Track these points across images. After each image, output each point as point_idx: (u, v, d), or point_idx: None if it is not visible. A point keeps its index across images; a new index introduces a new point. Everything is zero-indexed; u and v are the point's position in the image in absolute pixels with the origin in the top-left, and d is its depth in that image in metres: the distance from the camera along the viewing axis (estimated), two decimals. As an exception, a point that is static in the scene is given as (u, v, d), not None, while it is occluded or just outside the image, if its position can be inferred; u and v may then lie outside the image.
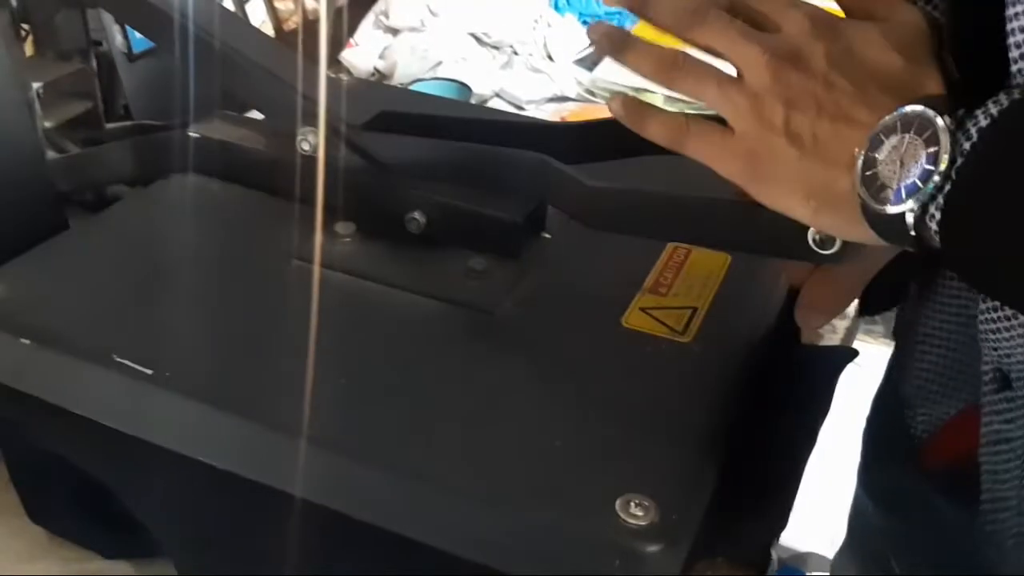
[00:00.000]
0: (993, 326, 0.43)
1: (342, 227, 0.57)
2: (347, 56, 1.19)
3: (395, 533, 0.42)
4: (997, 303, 0.43)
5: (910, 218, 0.35)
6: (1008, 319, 0.43)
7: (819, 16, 0.39)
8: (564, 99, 1.17)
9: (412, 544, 0.42)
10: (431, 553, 0.42)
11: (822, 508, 1.01)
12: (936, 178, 0.34)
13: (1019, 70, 0.36)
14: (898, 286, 0.55)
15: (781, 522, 0.51)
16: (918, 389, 0.54)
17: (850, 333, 0.80)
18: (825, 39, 0.38)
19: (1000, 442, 0.46)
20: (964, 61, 0.37)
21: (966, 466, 0.48)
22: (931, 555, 0.55)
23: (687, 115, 0.43)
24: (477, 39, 1.23)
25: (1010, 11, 0.35)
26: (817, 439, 0.54)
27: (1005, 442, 0.46)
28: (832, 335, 0.78)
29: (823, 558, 0.99)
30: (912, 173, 0.35)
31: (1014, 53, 0.36)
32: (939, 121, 0.34)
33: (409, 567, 0.43)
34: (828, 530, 1.13)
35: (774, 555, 0.52)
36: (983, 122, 0.34)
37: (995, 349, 0.44)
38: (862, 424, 0.64)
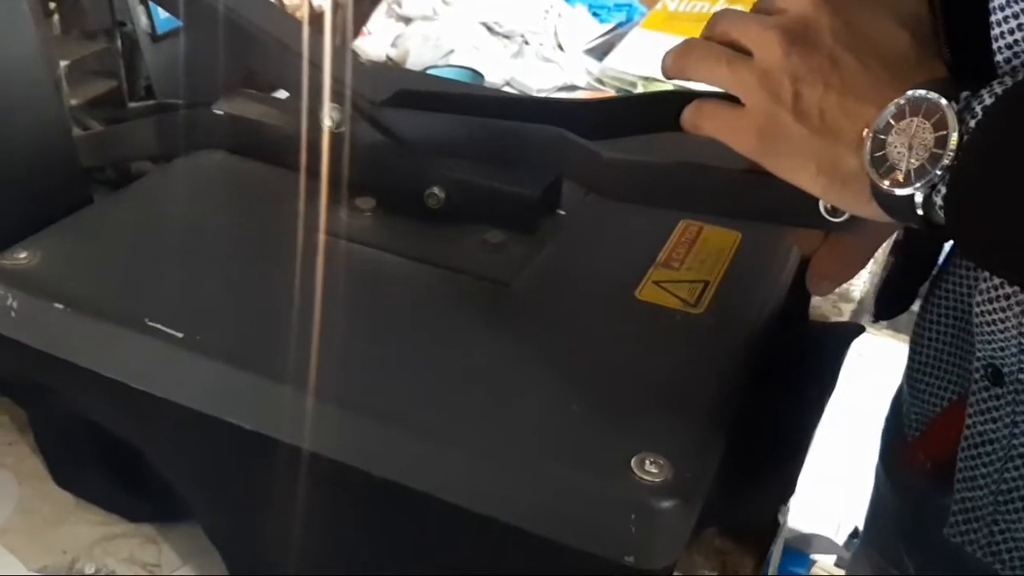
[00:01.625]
0: (988, 318, 0.44)
1: (362, 202, 0.58)
2: (360, 44, 1.20)
3: (417, 490, 0.44)
4: (992, 296, 0.43)
5: (919, 198, 0.36)
6: (1003, 311, 0.43)
7: None
8: (574, 88, 1.18)
9: (433, 501, 0.44)
10: (452, 509, 0.43)
11: (828, 492, 1.03)
12: (944, 161, 0.35)
13: (1004, 59, 0.37)
14: (908, 290, 0.56)
15: (788, 489, 0.53)
16: (910, 385, 0.55)
17: (855, 316, 0.81)
18: (832, 15, 0.39)
19: (982, 444, 0.46)
20: (952, 48, 0.38)
21: (949, 467, 0.49)
22: (939, 553, 0.56)
23: (701, 94, 0.45)
24: (488, 28, 1.24)
25: (994, 3, 0.36)
26: (823, 411, 0.55)
27: (988, 443, 0.46)
28: (838, 317, 0.79)
29: (828, 540, 1.01)
30: (920, 156, 0.35)
31: (999, 43, 0.36)
32: (947, 106, 0.35)
33: (431, 523, 0.45)
34: (834, 513, 1.15)
35: (781, 520, 0.53)
36: (988, 101, 0.34)
37: (989, 342, 0.45)
38: (864, 415, 0.65)
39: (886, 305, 0.58)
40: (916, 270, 0.55)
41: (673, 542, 0.42)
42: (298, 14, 1.02)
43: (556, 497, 0.42)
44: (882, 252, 0.87)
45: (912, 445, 0.56)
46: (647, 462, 0.41)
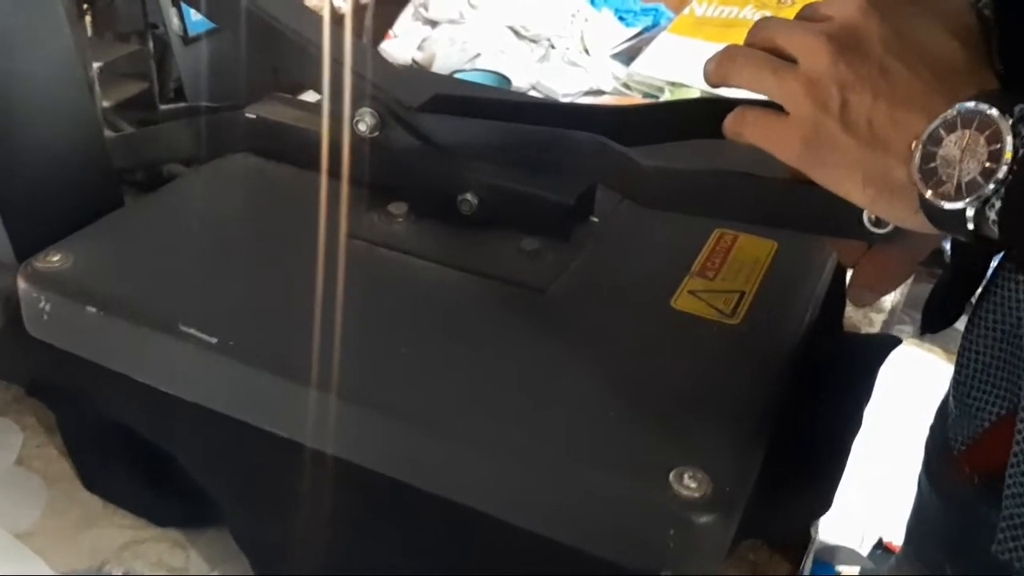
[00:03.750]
0: None
1: (395, 207, 0.58)
2: (386, 47, 1.20)
3: (450, 500, 0.44)
4: None
5: (970, 212, 0.35)
6: None
7: (876, 0, 0.40)
8: (600, 92, 1.18)
9: (468, 511, 0.43)
10: (485, 520, 0.43)
11: (852, 503, 1.02)
12: (999, 175, 0.34)
13: None
14: (956, 304, 0.55)
15: (824, 503, 0.52)
16: (956, 399, 0.54)
17: (886, 327, 0.80)
18: (881, 23, 0.38)
19: None
20: (1004, 59, 0.37)
21: (997, 481, 0.48)
22: (983, 567, 0.55)
23: (744, 102, 0.44)
24: (515, 32, 1.24)
25: None
26: (861, 423, 0.55)
27: None
28: (868, 327, 0.78)
29: (853, 552, 1.00)
30: (972, 170, 0.34)
31: None
32: (1001, 119, 0.34)
33: (464, 533, 0.45)
34: (858, 525, 1.14)
35: (813, 533, 0.52)
36: None
37: None
38: (890, 426, 0.64)
39: (933, 318, 0.57)
40: (964, 283, 0.54)
41: (710, 557, 0.42)
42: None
43: (594, 508, 0.41)
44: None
45: (959, 459, 0.55)
46: (686, 476, 0.41)
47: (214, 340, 0.47)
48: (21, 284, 0.51)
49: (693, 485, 0.40)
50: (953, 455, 0.54)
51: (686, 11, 1.25)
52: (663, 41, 1.20)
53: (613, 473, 0.41)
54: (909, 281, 0.84)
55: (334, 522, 0.48)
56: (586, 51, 1.24)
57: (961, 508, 0.56)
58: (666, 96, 1.09)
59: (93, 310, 0.49)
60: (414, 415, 0.44)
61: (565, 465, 0.42)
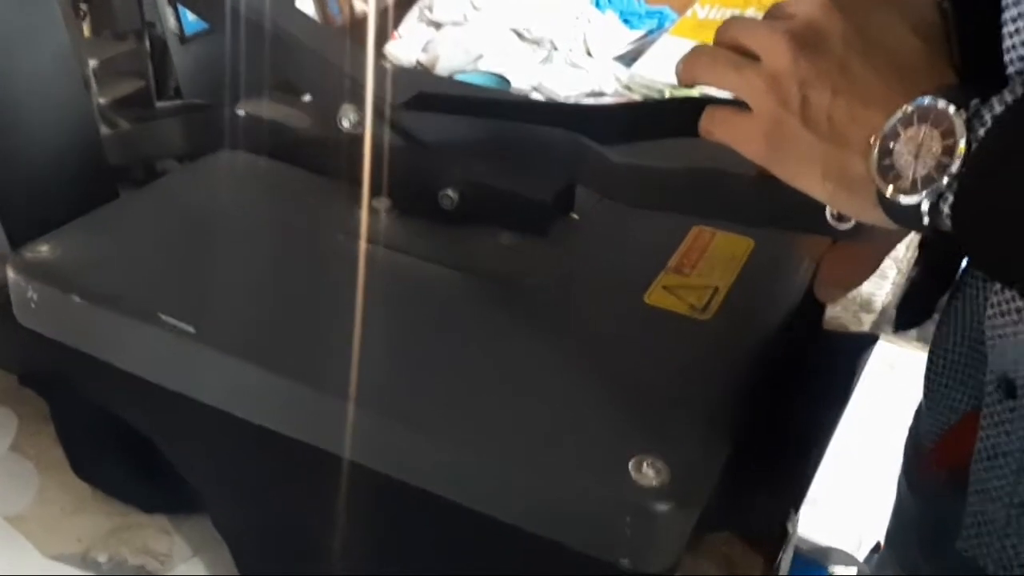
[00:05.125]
0: (1000, 331, 0.43)
1: (378, 202, 0.59)
2: (391, 48, 1.21)
3: (419, 488, 0.44)
4: (1004, 308, 0.43)
5: (925, 206, 0.35)
6: (1015, 323, 0.43)
7: None
8: (601, 94, 1.18)
9: (434, 499, 0.44)
10: (452, 507, 0.44)
11: (849, 505, 1.01)
12: (952, 169, 0.34)
13: (1016, 71, 0.36)
14: (928, 301, 0.55)
15: (797, 498, 0.53)
16: (926, 395, 0.54)
17: (876, 327, 0.80)
18: (842, 21, 0.39)
19: (995, 456, 0.46)
20: (964, 54, 0.38)
21: (963, 478, 0.48)
22: (954, 565, 0.55)
23: (711, 100, 0.45)
24: (518, 34, 1.24)
25: (1006, 15, 0.36)
26: (837, 420, 0.55)
27: (1001, 456, 0.45)
28: (858, 327, 0.78)
29: (846, 554, 1.00)
30: (927, 164, 0.35)
31: (1011, 54, 0.36)
32: (955, 114, 0.34)
33: (431, 521, 0.45)
34: (855, 527, 1.13)
35: (791, 529, 0.53)
36: (998, 109, 0.34)
37: (1001, 355, 0.44)
38: (891, 425, 0.64)
39: (906, 315, 0.57)
40: (936, 280, 0.54)
41: (670, 546, 0.42)
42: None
43: (554, 496, 0.42)
44: (907, 262, 0.86)
45: (928, 455, 0.55)
46: (645, 465, 0.41)
47: (192, 329, 0.48)
48: (10, 273, 0.52)
49: (651, 474, 0.41)
50: (924, 452, 0.54)
51: (688, 13, 1.26)
52: (665, 43, 1.21)
53: (573, 461, 0.42)
54: (900, 280, 0.84)
55: (313, 512, 0.49)
56: (589, 53, 1.25)
57: (934, 506, 0.56)
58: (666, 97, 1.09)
59: (77, 299, 0.51)
60: (385, 406, 0.45)
61: (527, 455, 0.43)
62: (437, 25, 1.25)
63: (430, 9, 1.25)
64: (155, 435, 0.53)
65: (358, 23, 1.16)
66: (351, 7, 1.14)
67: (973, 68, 0.38)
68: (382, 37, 1.19)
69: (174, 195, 0.61)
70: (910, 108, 0.36)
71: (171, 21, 0.73)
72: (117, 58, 0.71)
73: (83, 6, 0.69)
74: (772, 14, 0.43)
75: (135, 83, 0.72)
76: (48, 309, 0.52)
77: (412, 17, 1.26)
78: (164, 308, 0.49)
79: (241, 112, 0.65)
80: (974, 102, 0.35)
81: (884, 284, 0.83)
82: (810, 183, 0.40)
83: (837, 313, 0.78)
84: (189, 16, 0.74)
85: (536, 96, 1.16)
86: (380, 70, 0.63)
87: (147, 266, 0.54)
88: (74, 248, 0.54)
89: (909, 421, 0.64)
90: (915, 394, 0.62)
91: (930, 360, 0.54)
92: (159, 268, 0.54)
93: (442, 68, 1.16)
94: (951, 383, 0.51)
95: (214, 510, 0.54)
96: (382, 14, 1.18)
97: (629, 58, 1.25)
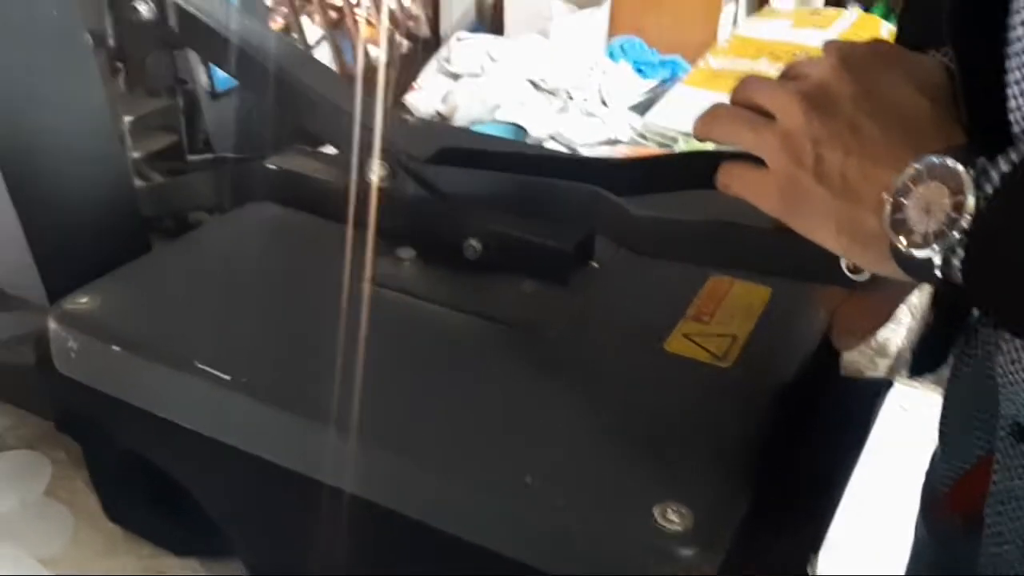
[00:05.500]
0: (1011, 378, 0.44)
1: (404, 252, 0.61)
2: (410, 99, 1.24)
3: (448, 533, 0.46)
4: (1014, 356, 0.44)
5: (937, 260, 0.37)
6: None
7: (849, 57, 0.42)
8: (616, 142, 1.21)
9: (462, 543, 0.45)
10: (479, 552, 0.45)
11: (868, 546, 1.01)
12: (962, 224, 0.36)
13: (1022, 131, 0.38)
14: (942, 346, 0.56)
15: (816, 541, 0.53)
16: (941, 440, 0.55)
17: (891, 371, 0.81)
18: (852, 82, 0.40)
19: (1009, 500, 0.46)
20: (971, 113, 0.39)
21: (979, 522, 0.49)
22: None
23: (726, 154, 0.47)
24: (535, 85, 1.27)
25: (1010, 77, 0.38)
26: (855, 464, 0.56)
27: (1014, 500, 0.46)
28: (874, 372, 0.79)
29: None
30: (938, 219, 0.36)
31: (1016, 114, 0.38)
32: (963, 172, 0.36)
33: (459, 565, 0.46)
34: (873, 568, 1.13)
35: (810, 571, 0.53)
36: (1005, 168, 0.35)
37: (1012, 401, 0.45)
38: (908, 467, 0.65)
39: (922, 361, 0.58)
40: (950, 326, 0.56)
41: (693, 590, 0.43)
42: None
43: (579, 540, 0.43)
44: (921, 307, 0.87)
45: (943, 499, 0.56)
46: (669, 511, 0.42)
47: (227, 377, 0.50)
48: (51, 324, 0.54)
49: (676, 520, 0.42)
50: (939, 496, 0.55)
51: (701, 64, 1.28)
52: (678, 92, 1.23)
53: (598, 506, 0.43)
54: (914, 325, 0.85)
55: (344, 556, 0.51)
56: (604, 103, 1.27)
57: (950, 548, 0.57)
58: (680, 146, 1.12)
59: (117, 348, 0.52)
60: (413, 452, 0.46)
61: (552, 498, 0.44)
62: (455, 76, 1.28)
63: (448, 60, 1.29)
64: (186, 479, 0.55)
65: (373, 72, 1.19)
66: (367, 55, 1.17)
67: (980, 127, 0.39)
68: (401, 89, 1.22)
69: (207, 247, 0.63)
70: (920, 166, 0.37)
71: (203, 78, 0.76)
72: (151, 114, 0.73)
73: (119, 64, 0.72)
74: (786, 75, 0.45)
75: (168, 138, 0.74)
76: (87, 358, 0.54)
77: (431, 68, 1.29)
78: (199, 356, 0.51)
79: (270, 165, 0.67)
80: (981, 160, 0.36)
81: (899, 329, 0.84)
82: (825, 237, 0.42)
83: (853, 358, 0.78)
84: (219, 73, 0.77)
85: (553, 144, 1.18)
86: (403, 124, 0.65)
87: (182, 316, 0.55)
88: (112, 299, 0.56)
89: (926, 463, 0.65)
90: (931, 435, 0.63)
91: (944, 407, 0.55)
92: (193, 317, 0.55)
93: (460, 118, 1.19)
94: (965, 428, 0.52)
95: (245, 553, 0.55)
96: (398, 65, 1.21)
97: (643, 107, 1.27)
